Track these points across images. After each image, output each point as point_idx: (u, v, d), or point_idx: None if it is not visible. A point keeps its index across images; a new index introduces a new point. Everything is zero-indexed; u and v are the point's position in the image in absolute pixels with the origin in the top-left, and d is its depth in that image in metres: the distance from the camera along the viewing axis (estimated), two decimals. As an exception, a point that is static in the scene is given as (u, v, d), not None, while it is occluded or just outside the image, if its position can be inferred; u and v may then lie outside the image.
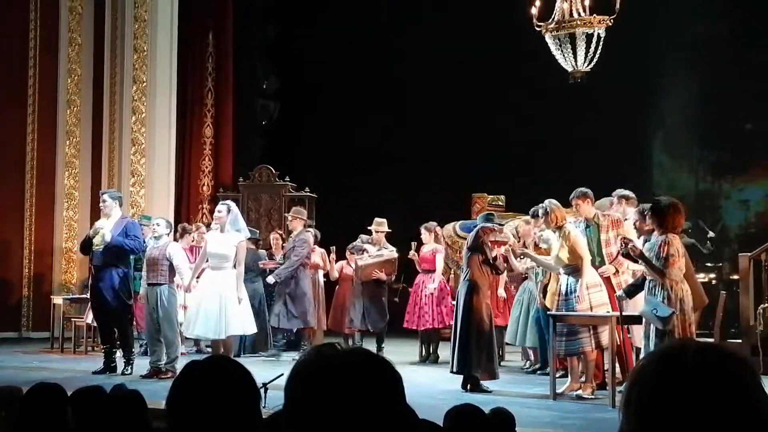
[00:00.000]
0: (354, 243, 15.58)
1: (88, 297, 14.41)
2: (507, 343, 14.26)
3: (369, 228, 15.51)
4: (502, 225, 12.64)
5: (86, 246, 13.46)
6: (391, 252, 15.30)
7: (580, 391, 10.97)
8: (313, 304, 15.27)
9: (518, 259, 13.23)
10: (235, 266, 12.79)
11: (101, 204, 13.58)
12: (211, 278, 12.72)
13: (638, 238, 10.60)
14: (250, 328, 13.09)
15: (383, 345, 15.07)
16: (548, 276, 12.12)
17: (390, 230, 15.54)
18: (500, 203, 18.48)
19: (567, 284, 11.08)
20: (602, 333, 10.76)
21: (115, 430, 5.12)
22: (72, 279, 19.25)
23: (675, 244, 9.47)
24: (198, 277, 13.17)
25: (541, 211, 11.55)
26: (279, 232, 17.08)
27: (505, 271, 13.32)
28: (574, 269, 11.02)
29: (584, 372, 11.12)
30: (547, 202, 11.35)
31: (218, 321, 12.48)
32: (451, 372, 11.69)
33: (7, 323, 18.83)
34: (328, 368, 2.02)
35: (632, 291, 10.44)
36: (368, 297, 15.13)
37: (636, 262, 9.95)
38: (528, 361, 13.90)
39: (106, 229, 13.09)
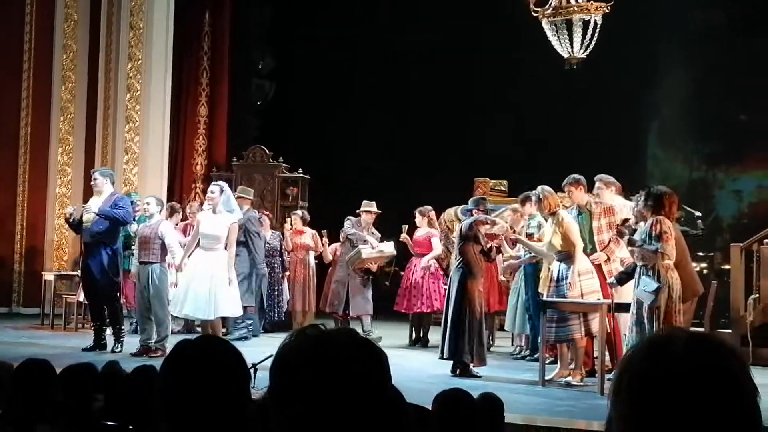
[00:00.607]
0: (353, 231, 15.23)
1: (79, 274, 14.48)
2: (503, 329, 14.28)
3: (357, 211, 15.37)
4: (494, 210, 12.63)
5: (75, 227, 13.60)
6: (391, 247, 15.24)
7: (569, 378, 10.99)
8: (244, 283, 15.06)
9: (512, 246, 13.25)
10: (226, 247, 12.78)
11: (92, 182, 13.66)
12: (202, 259, 12.71)
13: (636, 224, 10.62)
14: (237, 310, 13.08)
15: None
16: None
17: (380, 211, 15.43)
18: (502, 188, 18.38)
19: (559, 271, 11.11)
20: (592, 320, 10.79)
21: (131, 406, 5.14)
22: (64, 255, 19.23)
23: (667, 223, 9.55)
24: (189, 257, 13.16)
25: (534, 198, 11.56)
26: (266, 212, 17.08)
27: (501, 257, 13.39)
28: (567, 256, 11.04)
29: (573, 359, 11.14)
30: (539, 188, 11.37)
31: (208, 302, 12.47)
32: (440, 358, 11.72)
33: (-2, 298, 18.88)
34: (312, 350, 2.02)
35: (623, 278, 10.50)
36: (355, 283, 15.09)
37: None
38: (519, 347, 13.94)
39: (92, 206, 13.17)
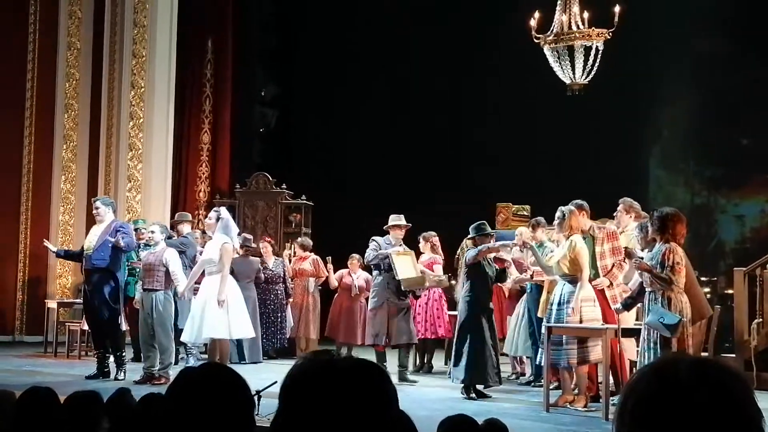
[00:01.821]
0: (373, 255, 13.89)
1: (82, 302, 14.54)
2: (503, 354, 14.27)
3: (385, 227, 14.08)
4: (493, 235, 12.58)
5: (72, 257, 13.84)
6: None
7: (572, 405, 10.98)
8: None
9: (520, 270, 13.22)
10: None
11: (94, 211, 13.79)
12: (202, 284, 12.69)
13: (642, 250, 10.59)
14: (237, 332, 12.78)
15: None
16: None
17: (410, 225, 14.17)
18: (525, 213, 18.17)
19: (561, 294, 11.08)
20: (592, 348, 10.76)
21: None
22: (66, 283, 19.23)
23: (679, 253, 9.54)
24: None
25: (558, 214, 11.43)
26: (268, 239, 17.11)
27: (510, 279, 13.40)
28: (572, 280, 11.02)
29: (576, 384, 11.13)
30: (568, 207, 11.31)
31: (199, 325, 12.37)
32: (453, 382, 11.81)
33: (1, 327, 18.82)
34: (321, 373, 2.02)
35: (630, 303, 10.49)
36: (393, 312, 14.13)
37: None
38: (515, 373, 13.97)
39: (94, 235, 13.28)
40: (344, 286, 16.09)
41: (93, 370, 13.25)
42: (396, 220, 14.06)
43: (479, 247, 11.80)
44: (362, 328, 15.39)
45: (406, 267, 13.74)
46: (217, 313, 12.33)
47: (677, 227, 9.73)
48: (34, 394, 5.04)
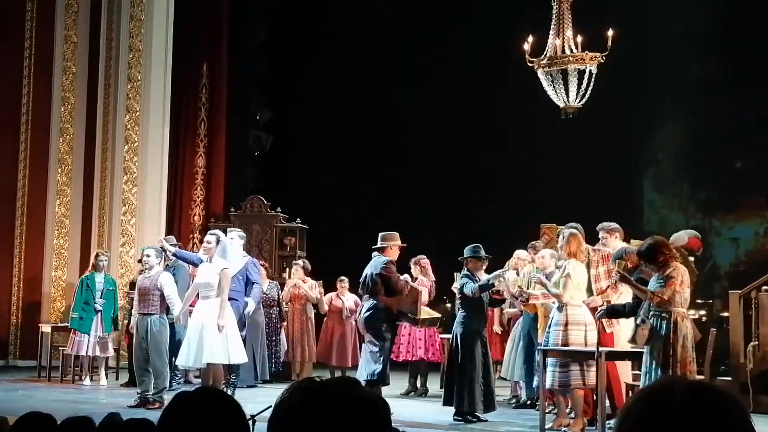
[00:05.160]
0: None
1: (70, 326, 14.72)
2: (501, 378, 14.20)
3: (375, 248, 13.12)
4: (489, 257, 12.50)
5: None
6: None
7: (568, 428, 10.94)
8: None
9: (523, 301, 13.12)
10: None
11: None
12: (197, 308, 12.63)
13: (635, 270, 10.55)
14: (234, 357, 12.70)
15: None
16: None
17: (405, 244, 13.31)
18: None
19: (552, 317, 11.11)
20: (588, 371, 10.72)
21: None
22: (60, 307, 19.15)
23: (679, 270, 9.43)
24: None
25: (561, 238, 11.41)
26: (262, 263, 17.11)
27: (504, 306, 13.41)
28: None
29: (573, 408, 11.08)
30: (566, 231, 11.30)
31: (197, 349, 12.31)
32: (444, 405, 11.80)
33: (-5, 351, 18.80)
34: (310, 403, 2.02)
35: (612, 312, 10.41)
36: None
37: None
38: (514, 397, 13.91)
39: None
40: (334, 309, 16.08)
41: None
42: (390, 238, 13.20)
43: (479, 284, 11.74)
44: (353, 350, 15.53)
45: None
46: (216, 338, 12.30)
47: (666, 250, 9.64)
48: (31, 420, 5.00)
